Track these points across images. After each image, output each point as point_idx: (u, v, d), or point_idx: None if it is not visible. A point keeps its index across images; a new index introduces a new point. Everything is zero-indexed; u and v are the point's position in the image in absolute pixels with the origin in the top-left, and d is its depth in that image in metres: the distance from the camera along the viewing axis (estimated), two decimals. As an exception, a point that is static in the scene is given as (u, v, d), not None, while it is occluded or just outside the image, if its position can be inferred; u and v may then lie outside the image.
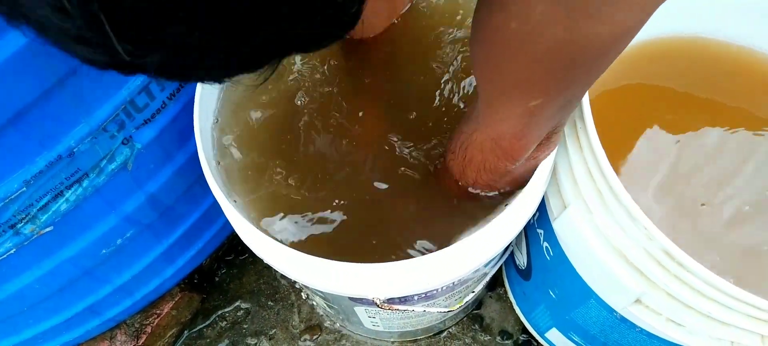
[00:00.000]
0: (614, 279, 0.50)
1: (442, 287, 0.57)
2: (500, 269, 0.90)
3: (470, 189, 0.54)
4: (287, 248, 0.48)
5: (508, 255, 0.82)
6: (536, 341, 0.86)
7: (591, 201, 0.49)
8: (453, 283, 0.57)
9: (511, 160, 0.46)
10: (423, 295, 0.57)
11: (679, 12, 0.66)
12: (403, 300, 0.57)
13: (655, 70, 0.68)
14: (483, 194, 0.55)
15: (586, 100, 0.48)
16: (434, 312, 0.63)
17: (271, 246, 0.49)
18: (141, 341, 0.79)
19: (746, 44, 0.68)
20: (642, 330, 0.57)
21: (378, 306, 0.53)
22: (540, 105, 0.39)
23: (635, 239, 0.46)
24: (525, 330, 0.87)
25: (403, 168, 0.59)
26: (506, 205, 0.48)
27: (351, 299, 0.58)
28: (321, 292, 0.61)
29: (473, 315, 0.89)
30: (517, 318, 0.86)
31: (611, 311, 0.57)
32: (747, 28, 0.67)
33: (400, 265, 0.46)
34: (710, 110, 0.66)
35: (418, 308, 0.58)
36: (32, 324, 0.65)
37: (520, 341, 0.88)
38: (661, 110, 0.64)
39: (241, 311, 0.91)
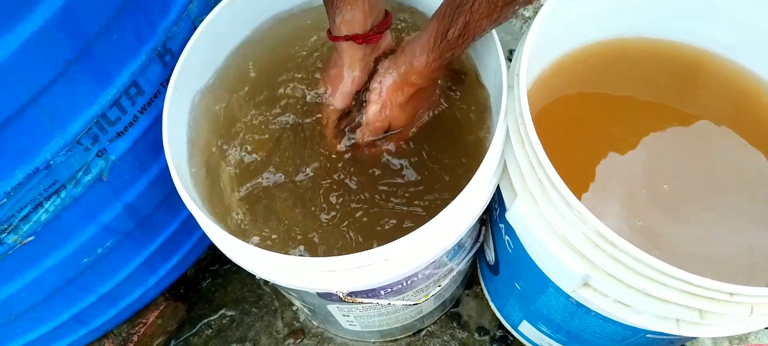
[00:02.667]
0: (561, 264, 0.53)
1: (405, 280, 0.60)
2: (476, 267, 0.93)
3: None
4: (254, 247, 0.51)
5: (480, 252, 0.85)
6: (511, 335, 0.88)
7: (535, 191, 0.53)
8: (415, 275, 0.60)
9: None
10: (388, 288, 0.60)
11: (625, 13, 0.70)
12: (370, 294, 0.60)
13: (603, 73, 0.72)
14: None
15: (523, 95, 0.52)
16: (400, 305, 0.66)
17: (236, 246, 0.52)
18: (128, 350, 0.82)
19: (693, 43, 0.71)
20: (597, 314, 0.60)
21: (342, 299, 0.56)
22: None
23: (573, 224, 0.49)
24: (501, 326, 0.90)
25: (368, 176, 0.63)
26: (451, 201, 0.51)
27: (319, 295, 0.61)
28: (292, 290, 0.64)
29: (451, 313, 0.92)
30: (494, 314, 0.89)
31: (567, 297, 0.60)
32: (695, 28, 0.70)
33: (351, 258, 0.49)
34: (654, 109, 0.69)
35: (384, 301, 0.61)
36: (20, 334, 0.68)
37: (496, 337, 0.90)
38: (608, 110, 0.68)
39: (227, 319, 0.94)
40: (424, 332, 0.91)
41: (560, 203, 0.49)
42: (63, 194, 0.56)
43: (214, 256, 0.96)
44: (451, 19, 0.52)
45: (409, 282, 0.62)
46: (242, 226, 0.61)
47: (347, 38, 0.58)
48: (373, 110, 0.60)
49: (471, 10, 0.51)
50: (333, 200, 0.62)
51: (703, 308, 0.49)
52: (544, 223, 0.53)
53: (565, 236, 0.52)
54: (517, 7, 0.52)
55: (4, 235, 0.55)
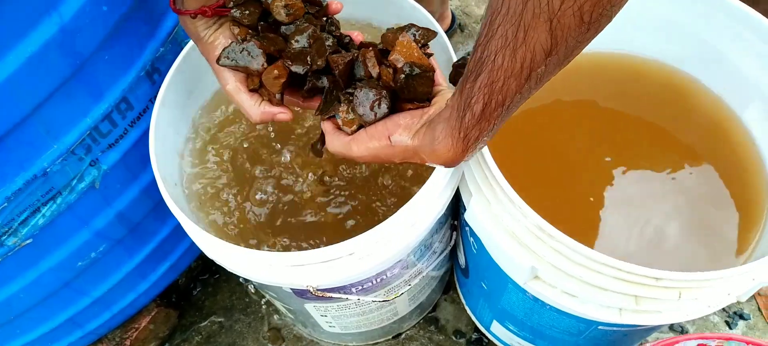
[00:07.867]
0: (512, 258, 0.58)
1: (374, 278, 0.65)
2: (453, 273, 0.98)
3: None
4: (227, 244, 0.57)
5: (455, 258, 0.90)
6: (486, 337, 0.93)
7: (487, 192, 0.58)
8: (384, 273, 0.65)
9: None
10: (358, 285, 0.65)
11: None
12: (341, 290, 0.65)
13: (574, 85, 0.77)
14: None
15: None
16: (373, 304, 0.71)
17: (213, 244, 0.57)
18: (121, 353, 0.86)
19: (661, 59, 0.77)
20: (551, 308, 0.65)
21: (314, 295, 0.61)
22: None
23: (517, 219, 0.55)
24: (476, 329, 0.94)
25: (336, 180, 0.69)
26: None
27: (295, 293, 0.66)
28: (270, 289, 0.69)
29: (429, 317, 0.97)
30: (470, 318, 0.94)
31: (525, 292, 0.65)
32: (659, 44, 0.76)
33: (317, 252, 0.54)
34: (610, 116, 0.75)
35: (353, 298, 0.66)
36: (18, 335, 0.73)
37: (472, 339, 0.95)
38: (563, 118, 0.74)
39: (216, 325, 0.98)
40: (403, 336, 0.95)
41: (505, 200, 0.55)
42: (59, 200, 0.61)
43: (204, 265, 1.01)
44: (473, 84, 0.44)
45: (379, 280, 0.66)
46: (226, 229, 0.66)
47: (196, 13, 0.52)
48: (340, 150, 0.53)
49: (493, 64, 0.42)
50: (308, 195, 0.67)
51: (638, 293, 0.54)
52: (496, 220, 0.59)
53: (513, 231, 0.57)
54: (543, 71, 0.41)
55: (4, 237, 0.60)
